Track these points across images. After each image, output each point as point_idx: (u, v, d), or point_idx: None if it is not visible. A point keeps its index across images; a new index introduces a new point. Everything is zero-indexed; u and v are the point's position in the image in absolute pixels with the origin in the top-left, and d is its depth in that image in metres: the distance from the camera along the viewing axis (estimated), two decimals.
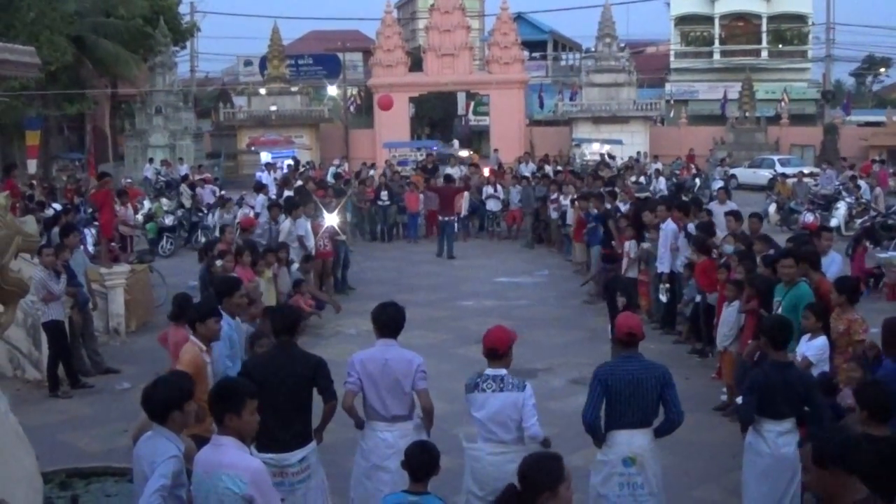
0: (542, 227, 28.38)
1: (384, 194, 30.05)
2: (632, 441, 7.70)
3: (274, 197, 27.27)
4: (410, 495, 6.44)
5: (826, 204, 30.20)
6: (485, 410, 7.54)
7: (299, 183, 29.11)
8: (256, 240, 18.40)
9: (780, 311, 10.69)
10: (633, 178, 32.93)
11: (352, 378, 7.97)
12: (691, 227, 16.39)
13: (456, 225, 28.14)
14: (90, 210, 26.11)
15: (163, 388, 6.36)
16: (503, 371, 7.62)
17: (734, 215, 16.26)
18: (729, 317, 12.43)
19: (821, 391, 8.41)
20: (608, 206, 20.93)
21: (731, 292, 12.52)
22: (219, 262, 14.50)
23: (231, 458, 5.74)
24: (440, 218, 27.29)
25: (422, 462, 6.49)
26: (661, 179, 35.69)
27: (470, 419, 7.76)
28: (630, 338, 7.87)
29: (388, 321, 8.08)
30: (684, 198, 20.68)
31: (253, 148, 51.01)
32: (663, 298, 16.64)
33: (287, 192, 27.16)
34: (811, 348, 9.56)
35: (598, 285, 13.37)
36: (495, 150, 49.28)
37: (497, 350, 7.68)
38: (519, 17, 64.40)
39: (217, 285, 10.65)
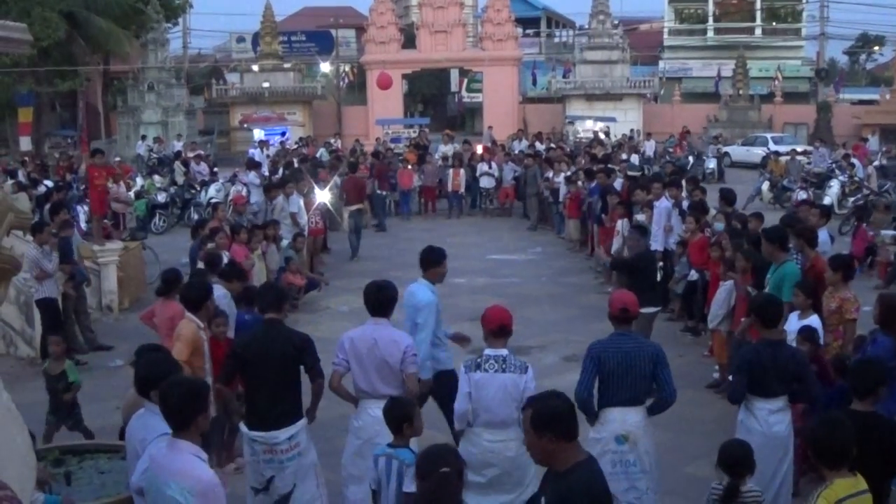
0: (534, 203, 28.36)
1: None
2: (625, 419, 7.70)
3: (266, 174, 27.25)
4: (391, 448, 6.62)
5: (819, 182, 30.20)
6: (485, 391, 7.47)
7: (294, 161, 29.10)
8: (251, 219, 18.47)
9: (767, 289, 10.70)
10: (624, 156, 32.83)
11: (338, 358, 7.98)
12: (685, 205, 16.42)
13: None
14: (83, 187, 26.06)
15: (149, 366, 6.44)
16: (504, 351, 7.58)
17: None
18: (719, 296, 12.46)
19: (836, 372, 8.51)
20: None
21: (723, 271, 12.55)
22: (210, 246, 14.50)
23: (184, 465, 5.34)
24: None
25: (394, 416, 6.68)
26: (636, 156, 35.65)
27: (468, 402, 7.60)
28: (624, 314, 7.87)
29: (378, 300, 8.06)
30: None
31: (246, 125, 50.88)
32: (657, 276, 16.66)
33: (280, 169, 27.14)
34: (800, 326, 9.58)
35: (632, 252, 13.15)
36: (489, 128, 49.19)
37: (507, 327, 7.65)
38: None
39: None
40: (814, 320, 9.62)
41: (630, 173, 24.33)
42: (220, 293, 10.28)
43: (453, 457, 5.13)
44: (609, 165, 23.86)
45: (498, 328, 7.65)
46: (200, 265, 12.75)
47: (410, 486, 6.15)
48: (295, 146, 38.19)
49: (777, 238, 11.18)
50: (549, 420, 4.96)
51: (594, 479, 5.04)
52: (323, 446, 8.87)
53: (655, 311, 12.80)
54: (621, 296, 8.08)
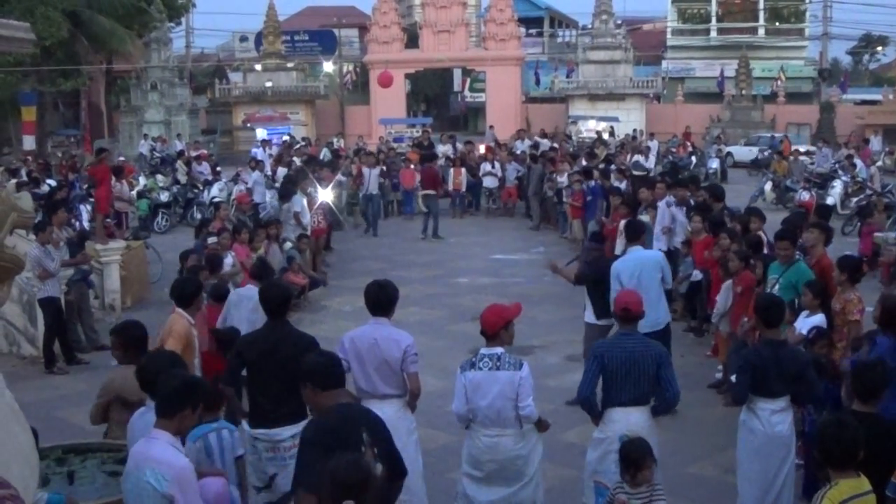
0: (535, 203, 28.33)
1: (381, 170, 29.95)
2: (628, 419, 7.71)
3: (269, 174, 27.25)
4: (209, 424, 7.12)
5: (822, 182, 30.16)
6: (481, 390, 7.48)
7: (296, 161, 29.10)
8: (262, 219, 18.54)
9: (775, 289, 10.72)
10: (635, 158, 32.75)
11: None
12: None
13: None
14: (85, 186, 26.06)
15: (154, 362, 6.55)
16: (499, 349, 7.57)
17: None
18: (721, 295, 12.50)
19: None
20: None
21: (724, 271, 12.57)
22: (211, 240, 14.55)
23: (159, 453, 5.57)
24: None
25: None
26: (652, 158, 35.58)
27: (465, 402, 7.62)
28: (626, 314, 7.88)
29: (378, 300, 8.03)
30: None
31: (249, 124, 50.89)
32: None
33: (281, 169, 27.15)
34: (807, 324, 9.60)
35: (580, 264, 12.83)
36: (491, 127, 49.15)
37: (485, 331, 7.65)
38: None
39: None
40: (819, 319, 9.63)
41: (636, 173, 24.28)
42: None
43: (363, 479, 5.03)
44: (608, 166, 23.82)
45: (481, 331, 7.68)
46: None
47: (239, 450, 7.29)
48: (298, 146, 38.15)
49: (785, 237, 11.22)
50: (308, 373, 6.13)
51: (347, 413, 6.07)
52: None
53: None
54: (625, 296, 8.08)
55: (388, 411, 7.83)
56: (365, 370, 7.86)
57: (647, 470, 6.80)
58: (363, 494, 4.93)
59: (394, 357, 7.79)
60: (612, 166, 24.16)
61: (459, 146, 35.40)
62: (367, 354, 7.84)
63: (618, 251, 17.19)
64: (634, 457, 6.77)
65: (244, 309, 10.57)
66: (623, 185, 20.95)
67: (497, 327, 7.59)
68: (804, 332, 9.51)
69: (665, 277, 11.69)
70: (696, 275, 14.97)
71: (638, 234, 12.10)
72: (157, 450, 5.59)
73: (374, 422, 6.10)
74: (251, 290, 10.58)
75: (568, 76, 57.19)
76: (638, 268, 11.37)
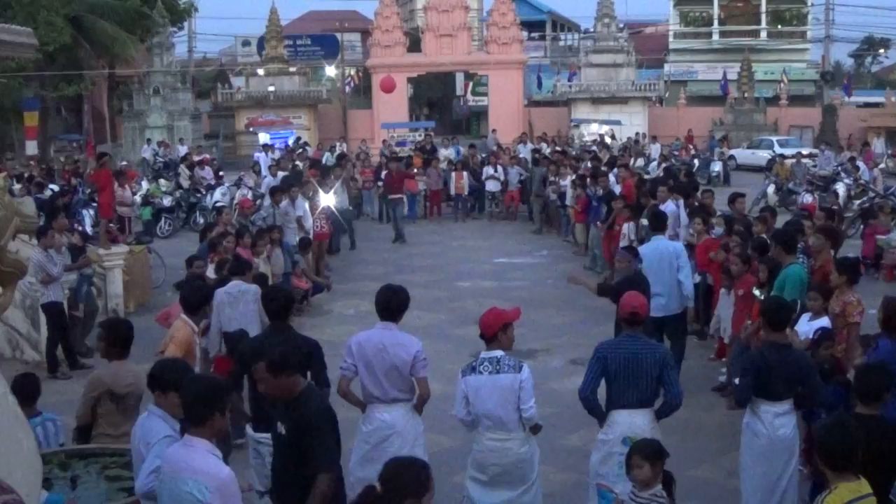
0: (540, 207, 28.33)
1: (384, 174, 29.94)
2: (632, 421, 7.70)
3: (266, 177, 27.18)
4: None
5: (825, 185, 30.12)
6: (482, 394, 7.49)
7: (299, 165, 29.08)
8: (258, 223, 18.48)
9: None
10: (632, 161, 32.74)
11: (346, 363, 7.95)
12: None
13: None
14: (88, 191, 26.10)
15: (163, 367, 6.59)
16: (499, 353, 7.57)
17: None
18: (719, 307, 12.60)
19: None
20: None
21: (726, 278, 12.61)
22: (225, 243, 14.56)
23: (200, 462, 5.42)
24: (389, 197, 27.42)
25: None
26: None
27: (466, 407, 7.64)
28: (634, 317, 7.89)
29: (389, 305, 8.00)
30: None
31: (251, 129, 50.91)
32: None
33: (281, 173, 27.08)
34: (812, 328, 9.61)
35: (620, 275, 12.14)
36: (493, 131, 49.18)
37: (483, 334, 7.67)
38: None
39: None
40: (823, 322, 9.64)
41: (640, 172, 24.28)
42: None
43: (416, 484, 5.02)
44: (612, 169, 23.80)
45: (488, 333, 7.67)
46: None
47: (62, 439, 8.08)
48: (299, 150, 38.17)
49: (782, 240, 11.23)
50: (269, 361, 6.48)
51: (317, 395, 6.73)
52: None
53: None
54: (631, 299, 8.08)
55: (396, 415, 7.85)
56: (373, 375, 7.84)
57: (657, 467, 6.73)
58: (422, 494, 4.93)
59: (403, 362, 7.77)
60: (616, 170, 24.12)
61: (462, 149, 35.42)
62: (375, 359, 7.82)
63: None
64: (647, 452, 6.69)
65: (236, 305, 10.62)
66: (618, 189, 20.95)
67: (494, 329, 7.60)
68: (810, 335, 9.50)
69: (682, 268, 12.32)
70: (697, 277, 14.93)
71: (661, 223, 13.02)
72: (196, 459, 5.43)
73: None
74: (235, 287, 10.68)
75: (570, 80, 57.14)
76: (657, 255, 11.89)
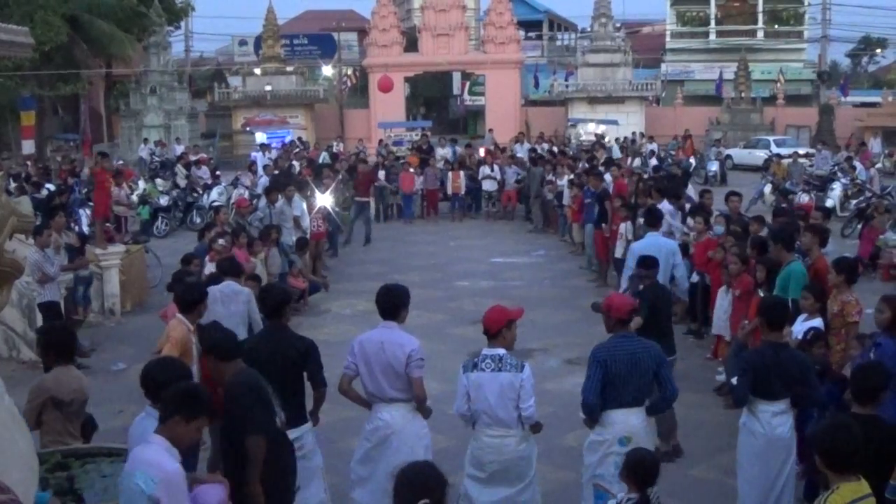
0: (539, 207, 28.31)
1: (381, 174, 29.94)
2: (628, 420, 7.71)
3: (262, 176, 27.16)
4: None
5: (821, 185, 30.15)
6: (483, 390, 7.50)
7: (295, 164, 29.09)
8: (255, 223, 18.47)
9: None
10: (629, 160, 32.72)
11: (348, 362, 7.97)
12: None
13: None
14: (85, 190, 26.07)
15: (160, 369, 6.54)
16: (501, 350, 7.58)
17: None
18: (717, 307, 12.61)
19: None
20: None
21: (725, 276, 12.62)
22: (221, 241, 14.54)
23: (151, 456, 5.61)
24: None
25: None
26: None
27: (467, 402, 7.64)
28: (630, 316, 7.96)
29: (387, 303, 8.01)
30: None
31: (248, 128, 50.89)
32: None
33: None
34: (804, 328, 9.60)
35: (632, 291, 11.81)
36: (490, 130, 49.19)
37: (487, 330, 7.68)
38: None
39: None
40: (817, 323, 9.63)
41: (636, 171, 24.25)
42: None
43: (434, 482, 4.99)
44: (600, 168, 23.76)
45: (483, 330, 7.70)
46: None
47: None
48: (297, 149, 38.16)
49: (782, 239, 11.23)
50: (212, 347, 7.33)
51: (250, 376, 7.16)
52: (326, 448, 8.85)
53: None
54: (623, 299, 8.15)
55: (396, 415, 7.84)
56: (372, 374, 7.85)
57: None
58: (437, 494, 4.92)
59: (398, 361, 7.77)
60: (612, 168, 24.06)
61: (458, 149, 35.40)
62: (373, 358, 7.83)
63: (618, 254, 17.25)
64: (642, 472, 6.55)
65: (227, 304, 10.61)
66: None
67: (499, 326, 7.61)
68: (801, 335, 9.50)
69: (677, 265, 12.53)
70: (695, 277, 14.95)
71: (656, 220, 13.26)
72: (150, 453, 5.63)
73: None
74: (228, 286, 10.69)
75: (567, 79, 57.19)
76: (652, 251, 11.74)
